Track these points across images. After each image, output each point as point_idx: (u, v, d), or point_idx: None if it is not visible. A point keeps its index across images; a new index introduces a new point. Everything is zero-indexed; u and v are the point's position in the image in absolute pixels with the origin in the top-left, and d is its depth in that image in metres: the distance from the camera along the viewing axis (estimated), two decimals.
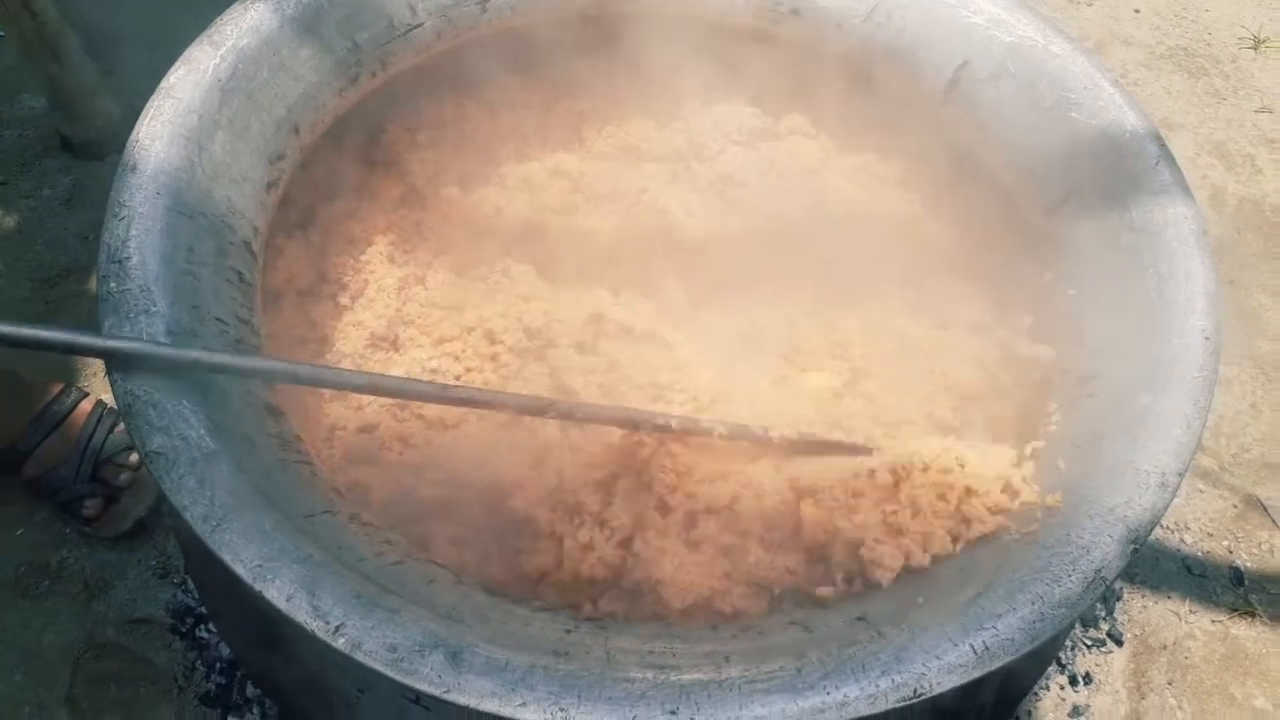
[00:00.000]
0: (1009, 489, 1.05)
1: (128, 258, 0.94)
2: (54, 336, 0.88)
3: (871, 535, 1.05)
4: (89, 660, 1.45)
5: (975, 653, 0.86)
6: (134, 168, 0.98)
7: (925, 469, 1.08)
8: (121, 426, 1.59)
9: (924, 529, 1.04)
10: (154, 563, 1.53)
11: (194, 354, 0.89)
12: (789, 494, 1.12)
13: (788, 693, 0.82)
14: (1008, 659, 0.87)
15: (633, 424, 1.09)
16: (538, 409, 1.05)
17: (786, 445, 1.14)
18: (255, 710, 1.40)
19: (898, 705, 0.83)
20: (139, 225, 0.95)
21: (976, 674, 0.85)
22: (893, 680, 0.83)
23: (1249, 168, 2.31)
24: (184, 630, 1.46)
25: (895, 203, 1.41)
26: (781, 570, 1.08)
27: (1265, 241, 2.18)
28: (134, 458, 1.54)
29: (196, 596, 1.47)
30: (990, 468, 1.07)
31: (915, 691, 0.84)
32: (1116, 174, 1.18)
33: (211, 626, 1.45)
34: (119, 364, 0.89)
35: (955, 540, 1.03)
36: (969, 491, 1.06)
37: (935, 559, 1.03)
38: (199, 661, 1.44)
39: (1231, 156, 2.33)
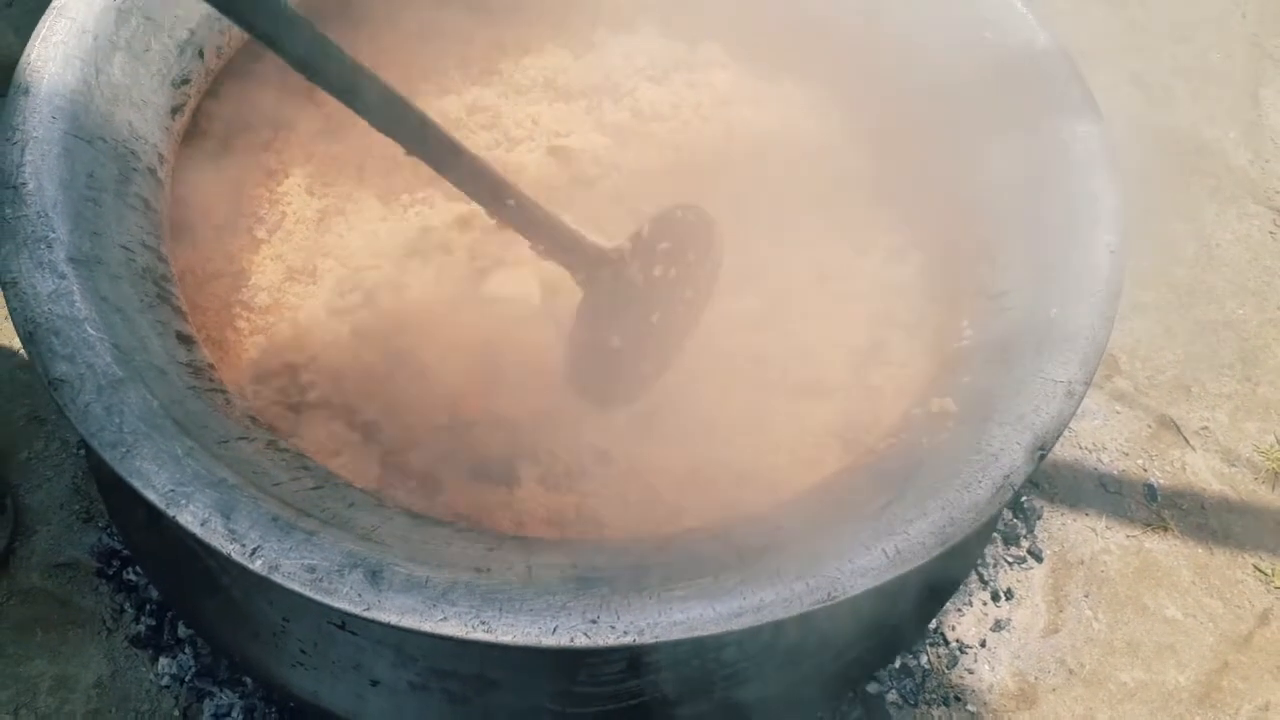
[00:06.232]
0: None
1: (23, 183, 0.91)
2: None
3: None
4: (14, 606, 1.42)
5: (887, 556, 0.88)
6: (26, 90, 0.94)
7: None
8: None
9: None
10: (77, 507, 1.50)
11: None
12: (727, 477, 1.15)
13: (706, 598, 0.83)
14: (919, 562, 0.89)
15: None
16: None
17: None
18: (187, 650, 1.39)
19: (813, 608, 0.86)
20: (34, 150, 0.92)
21: (888, 576, 0.88)
22: (807, 584, 0.86)
23: (1166, 97, 2.36)
24: (110, 573, 1.44)
25: (810, 131, 1.42)
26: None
27: (1181, 170, 2.23)
28: None
29: (121, 539, 1.45)
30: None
31: (829, 594, 0.86)
32: (1027, 93, 1.20)
33: (139, 569, 1.43)
34: None
35: None
36: None
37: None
38: (128, 604, 1.42)
39: (1149, 86, 2.37)
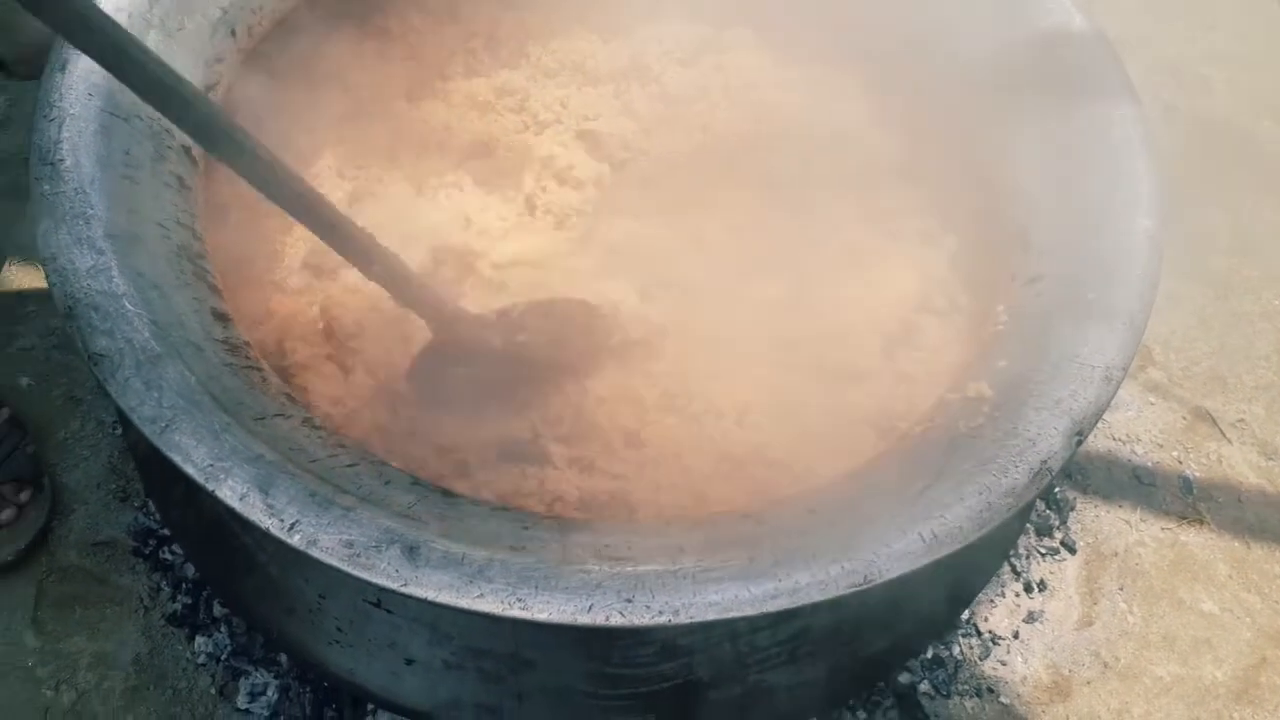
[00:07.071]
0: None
1: (61, 160, 0.91)
2: None
3: None
4: (53, 583, 1.44)
5: (924, 540, 0.88)
6: (63, 67, 0.95)
7: None
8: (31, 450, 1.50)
9: None
10: (114, 486, 1.52)
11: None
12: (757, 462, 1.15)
13: (740, 580, 0.83)
14: (956, 547, 0.88)
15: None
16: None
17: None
18: (223, 629, 1.40)
19: (848, 591, 0.85)
20: (71, 127, 0.93)
21: (925, 561, 0.87)
22: (843, 567, 0.85)
23: (1201, 85, 2.32)
24: (147, 552, 1.45)
25: (839, 114, 1.40)
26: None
27: (1217, 159, 2.20)
28: (24, 495, 1.45)
29: (158, 518, 1.46)
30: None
31: (865, 577, 0.85)
32: (1062, 76, 1.18)
33: (175, 548, 1.44)
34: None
35: None
36: None
37: None
38: (164, 582, 1.44)
39: (1183, 74, 2.34)
